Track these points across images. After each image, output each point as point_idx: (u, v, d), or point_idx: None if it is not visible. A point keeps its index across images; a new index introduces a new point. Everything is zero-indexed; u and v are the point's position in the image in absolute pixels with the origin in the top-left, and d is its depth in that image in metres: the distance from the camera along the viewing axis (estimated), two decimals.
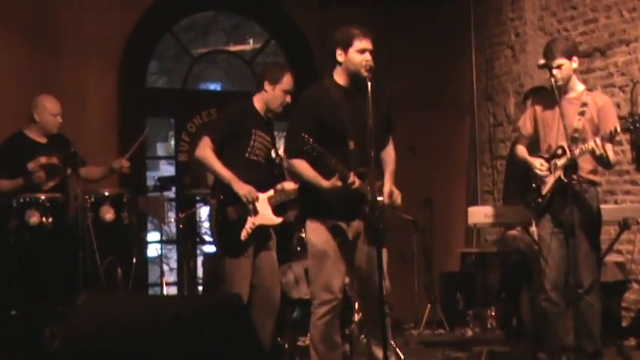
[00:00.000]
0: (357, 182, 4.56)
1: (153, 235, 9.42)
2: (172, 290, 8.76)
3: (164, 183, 7.91)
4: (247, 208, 5.50)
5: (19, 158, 6.48)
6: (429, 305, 7.80)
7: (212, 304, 4.49)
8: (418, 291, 7.88)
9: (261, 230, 5.59)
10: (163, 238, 8.51)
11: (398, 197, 4.78)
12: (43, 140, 6.62)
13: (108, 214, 6.70)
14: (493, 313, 7.18)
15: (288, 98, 5.65)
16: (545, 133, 5.46)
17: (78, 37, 8.35)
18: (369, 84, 4.47)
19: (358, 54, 4.64)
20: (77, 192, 6.45)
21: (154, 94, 9.41)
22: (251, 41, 11.40)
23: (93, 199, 6.67)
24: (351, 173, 4.55)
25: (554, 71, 5.21)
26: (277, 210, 5.62)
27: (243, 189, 5.46)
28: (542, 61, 5.34)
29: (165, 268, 9.21)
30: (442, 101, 8.87)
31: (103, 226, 6.64)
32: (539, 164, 5.42)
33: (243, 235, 5.50)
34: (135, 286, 7.04)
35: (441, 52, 8.94)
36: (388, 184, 4.79)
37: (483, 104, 8.63)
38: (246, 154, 5.56)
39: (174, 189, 8.80)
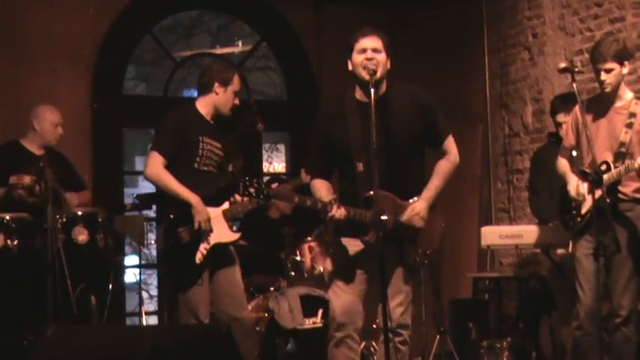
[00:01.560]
0: (339, 213, 4.52)
1: (131, 259, 9.40)
2: (152, 320, 8.73)
3: (143, 201, 7.87)
4: (201, 229, 5.47)
5: (10, 168, 6.52)
6: (437, 336, 7.76)
7: (196, 334, 4.48)
8: (426, 320, 7.84)
9: (218, 250, 5.56)
10: (143, 262, 8.48)
11: (417, 219, 4.69)
12: (38, 152, 6.65)
13: (81, 235, 6.68)
14: (509, 345, 7.16)
15: (237, 100, 5.65)
16: (588, 146, 5.40)
17: (46, 38, 8.34)
18: (372, 90, 4.46)
19: (358, 54, 4.63)
20: (47, 211, 6.43)
21: (132, 102, 9.42)
22: (240, 43, 11.42)
23: (64, 219, 6.65)
24: (334, 205, 4.52)
25: (602, 75, 5.21)
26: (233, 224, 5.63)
27: (202, 215, 5.44)
28: (562, 65, 5.34)
29: (145, 295, 9.19)
30: (451, 110, 8.81)
31: (76, 248, 6.61)
32: (575, 187, 5.39)
33: (198, 257, 5.47)
34: (111, 315, 7.00)
35: (450, 56, 8.95)
36: (417, 203, 4.72)
37: (497, 113, 8.62)
38: (195, 165, 5.55)
39: (154, 207, 8.77)
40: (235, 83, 5.65)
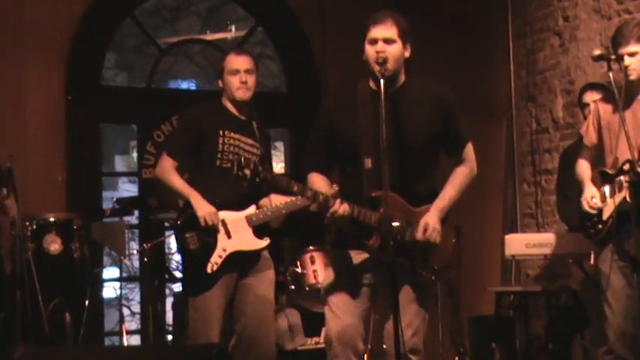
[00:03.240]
0: (342, 209, 4.50)
1: (110, 272, 9.38)
2: (135, 340, 8.72)
3: (124, 206, 7.88)
4: (213, 233, 5.49)
5: None
6: (456, 358, 7.77)
7: (183, 356, 4.46)
8: (443, 340, 7.85)
9: (241, 258, 5.57)
10: (123, 274, 8.47)
11: (435, 235, 4.66)
12: None
13: (53, 244, 6.69)
14: None
15: (243, 77, 5.66)
16: (611, 144, 5.40)
17: (14, 23, 8.32)
18: (382, 82, 4.44)
19: (369, 46, 4.61)
20: (15, 216, 6.42)
21: (112, 94, 9.39)
22: (232, 28, 11.42)
23: (35, 226, 6.65)
24: (337, 200, 4.50)
25: (626, 60, 5.18)
26: (259, 231, 5.63)
27: (202, 209, 5.48)
28: (597, 52, 5.31)
29: (126, 312, 9.18)
30: (472, 103, 8.83)
31: (48, 259, 6.62)
32: (589, 198, 5.39)
33: (210, 267, 5.48)
34: (87, 335, 7.00)
35: (470, 43, 8.94)
36: (429, 215, 4.68)
37: (524, 106, 8.62)
38: (217, 162, 5.59)
39: (136, 213, 8.77)
40: (227, 65, 5.70)
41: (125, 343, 7.59)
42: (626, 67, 5.20)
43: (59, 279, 6.71)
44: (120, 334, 7.65)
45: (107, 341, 8.92)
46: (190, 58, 11.69)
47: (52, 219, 6.75)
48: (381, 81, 4.45)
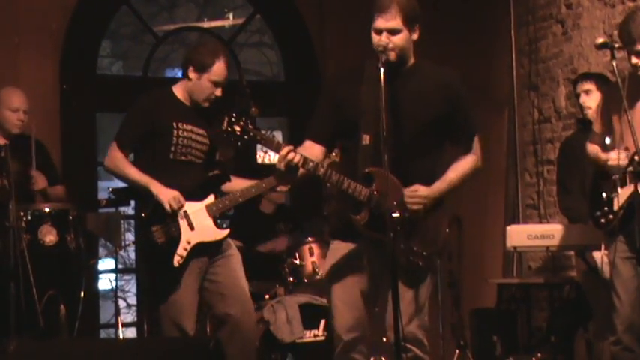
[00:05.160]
0: (294, 158, 4.43)
1: (106, 263, 9.39)
2: (131, 332, 8.73)
3: (120, 196, 7.85)
4: (177, 224, 5.48)
5: None
6: (457, 351, 7.77)
7: (179, 348, 4.47)
8: (444, 332, 7.85)
9: (205, 248, 5.59)
10: (119, 266, 8.47)
11: (416, 201, 4.56)
12: (2, 141, 6.64)
13: (48, 235, 6.67)
14: None
15: (218, 91, 5.67)
16: (622, 133, 5.37)
17: (8, 12, 8.30)
18: (382, 70, 4.43)
19: (374, 34, 4.60)
20: (9, 207, 6.41)
21: (107, 83, 9.41)
22: (230, 16, 11.40)
23: (29, 217, 6.64)
24: (286, 147, 4.46)
25: (633, 59, 5.19)
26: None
27: (165, 194, 5.49)
28: (600, 40, 5.31)
29: (122, 304, 9.18)
30: (473, 93, 8.80)
31: (43, 250, 6.60)
32: (616, 157, 5.32)
33: (176, 260, 5.49)
34: (83, 327, 7.00)
35: (471, 31, 8.94)
36: (422, 188, 4.59)
37: (526, 95, 8.62)
38: (170, 155, 5.60)
39: (132, 204, 8.76)
40: (214, 72, 5.64)
41: (121, 336, 7.59)
42: (636, 66, 5.21)
43: (54, 270, 6.69)
44: (116, 326, 7.64)
45: (103, 333, 8.94)
46: (187, 46, 11.66)
47: (46, 210, 6.74)
48: (381, 69, 4.45)
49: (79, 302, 6.92)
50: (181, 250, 5.49)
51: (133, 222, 9.01)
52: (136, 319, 9.09)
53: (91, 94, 8.78)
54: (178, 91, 5.71)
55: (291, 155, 4.45)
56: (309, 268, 6.83)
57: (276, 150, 4.51)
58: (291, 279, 6.85)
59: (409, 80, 4.63)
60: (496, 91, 8.96)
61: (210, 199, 5.63)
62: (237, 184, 5.75)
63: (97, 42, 9.11)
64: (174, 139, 5.58)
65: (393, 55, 4.53)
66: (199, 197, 5.60)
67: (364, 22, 4.68)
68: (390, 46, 4.53)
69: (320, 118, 4.77)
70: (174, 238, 5.50)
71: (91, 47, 8.99)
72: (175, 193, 5.49)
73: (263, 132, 4.57)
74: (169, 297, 5.54)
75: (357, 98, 4.61)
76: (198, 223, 5.55)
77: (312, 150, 4.68)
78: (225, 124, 4.50)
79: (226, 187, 5.73)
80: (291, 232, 7.32)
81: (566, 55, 8.11)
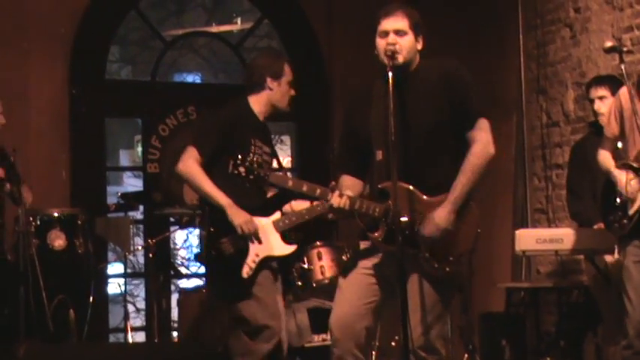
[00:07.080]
0: (338, 202, 4.46)
1: (115, 268, 9.39)
2: (140, 337, 8.73)
3: (129, 201, 7.89)
4: (245, 237, 5.50)
5: None
6: (465, 355, 7.76)
7: (188, 353, 4.48)
8: (452, 337, 7.84)
9: (268, 264, 5.60)
10: (128, 270, 8.48)
11: (438, 234, 4.52)
12: None
13: (57, 240, 6.69)
14: None
15: (293, 91, 5.73)
16: (634, 136, 5.37)
17: (18, 17, 8.33)
18: (390, 75, 4.43)
19: (380, 39, 4.60)
20: (18, 213, 6.42)
21: (116, 87, 9.42)
22: (238, 21, 11.41)
23: (38, 222, 6.65)
24: (334, 193, 4.47)
25: None
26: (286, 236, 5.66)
27: (239, 217, 5.46)
28: (609, 43, 5.31)
29: (131, 308, 9.18)
30: (482, 97, 8.83)
31: (52, 255, 6.63)
32: (625, 181, 5.34)
33: (245, 271, 5.49)
34: (92, 332, 7.01)
35: (479, 34, 8.93)
36: (438, 211, 4.53)
37: (534, 99, 8.61)
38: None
39: (141, 208, 8.78)
40: (288, 73, 5.69)
41: (130, 340, 7.60)
42: None
43: (63, 275, 6.72)
44: (125, 330, 7.65)
45: (112, 338, 8.94)
46: (195, 51, 11.68)
47: (56, 214, 6.76)
48: (389, 74, 4.45)
49: (88, 307, 6.94)
50: (250, 262, 5.49)
51: (141, 226, 9.02)
52: (144, 323, 9.09)
53: (99, 99, 8.78)
54: (255, 105, 5.68)
55: (338, 204, 4.47)
56: (317, 272, 6.83)
57: (282, 186, 4.54)
58: (299, 283, 6.85)
59: (413, 85, 4.61)
60: (504, 95, 8.94)
61: (277, 214, 5.64)
62: (294, 205, 5.76)
63: (105, 47, 9.13)
64: (251, 155, 5.51)
65: (400, 58, 4.52)
66: (266, 213, 5.61)
67: (372, 27, 4.69)
68: (398, 47, 4.53)
69: (344, 150, 4.82)
70: (243, 250, 5.49)
71: (100, 52, 9.02)
72: (248, 217, 5.46)
73: (269, 171, 4.59)
74: (238, 303, 5.53)
75: (367, 120, 4.63)
76: (267, 238, 5.55)
77: (348, 182, 4.69)
78: (230, 167, 4.53)
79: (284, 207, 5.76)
80: (301, 242, 7.31)
81: (574, 59, 8.09)
